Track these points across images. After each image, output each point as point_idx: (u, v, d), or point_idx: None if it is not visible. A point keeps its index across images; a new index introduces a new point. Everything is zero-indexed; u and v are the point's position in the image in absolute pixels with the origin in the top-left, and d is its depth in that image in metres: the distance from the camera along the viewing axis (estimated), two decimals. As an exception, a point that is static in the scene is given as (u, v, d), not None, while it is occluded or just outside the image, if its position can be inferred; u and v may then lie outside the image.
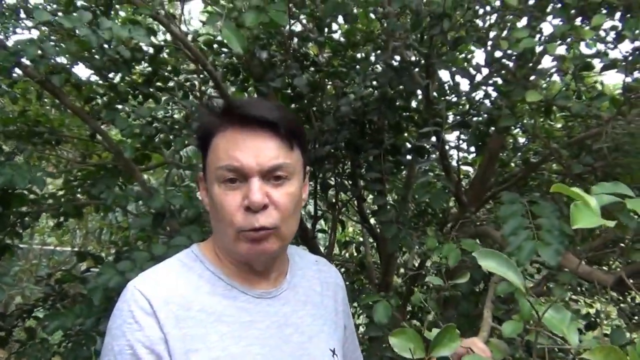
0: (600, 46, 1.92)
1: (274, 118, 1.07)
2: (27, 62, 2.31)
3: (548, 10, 1.82)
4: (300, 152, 1.14)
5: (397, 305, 1.78)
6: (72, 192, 3.04)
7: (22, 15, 2.79)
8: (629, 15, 1.72)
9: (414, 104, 2.72)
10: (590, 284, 2.25)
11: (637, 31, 1.51)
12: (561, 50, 1.77)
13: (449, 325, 0.95)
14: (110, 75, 2.67)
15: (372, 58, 2.70)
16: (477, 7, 1.61)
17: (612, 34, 1.98)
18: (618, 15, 2.00)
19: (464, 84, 4.03)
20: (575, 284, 2.62)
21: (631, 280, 1.36)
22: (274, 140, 1.07)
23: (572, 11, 1.81)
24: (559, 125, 2.89)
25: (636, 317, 2.94)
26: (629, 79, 1.57)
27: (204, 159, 1.13)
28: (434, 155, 2.71)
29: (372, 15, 2.46)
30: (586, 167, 1.96)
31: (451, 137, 2.89)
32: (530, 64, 2.04)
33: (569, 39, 1.63)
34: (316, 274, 1.29)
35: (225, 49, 2.77)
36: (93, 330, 2.48)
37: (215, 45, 2.80)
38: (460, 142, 2.76)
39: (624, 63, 1.64)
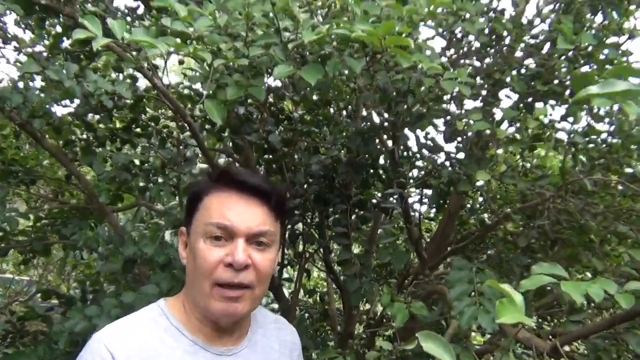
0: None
1: (267, 188, 1.20)
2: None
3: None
4: (281, 226, 1.25)
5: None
6: (42, 230, 3.06)
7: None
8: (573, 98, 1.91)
9: (381, 159, 2.87)
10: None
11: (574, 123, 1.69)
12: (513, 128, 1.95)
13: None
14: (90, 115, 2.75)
15: (343, 114, 2.86)
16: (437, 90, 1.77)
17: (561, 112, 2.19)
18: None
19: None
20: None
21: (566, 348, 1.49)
22: (263, 209, 1.19)
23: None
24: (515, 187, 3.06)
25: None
26: (569, 162, 1.74)
27: (190, 215, 1.22)
28: (398, 209, 2.85)
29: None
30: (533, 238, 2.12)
31: (415, 188, 3.04)
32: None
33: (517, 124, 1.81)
34: (275, 332, 1.37)
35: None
36: (53, 373, 2.48)
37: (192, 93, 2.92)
38: (424, 197, 2.91)
39: (566, 145, 1.82)
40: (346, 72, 1.75)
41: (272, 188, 1.21)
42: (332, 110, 2.81)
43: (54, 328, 2.24)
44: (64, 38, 2.91)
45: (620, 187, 2.03)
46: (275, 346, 1.34)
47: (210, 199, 1.19)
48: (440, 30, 2.16)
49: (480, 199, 3.18)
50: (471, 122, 1.76)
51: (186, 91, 2.97)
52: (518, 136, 2.13)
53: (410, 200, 2.86)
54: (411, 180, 2.64)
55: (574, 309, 1.74)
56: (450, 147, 2.37)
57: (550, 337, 1.98)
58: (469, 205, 2.84)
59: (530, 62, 2.19)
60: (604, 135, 2.17)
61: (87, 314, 2.13)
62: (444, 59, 2.28)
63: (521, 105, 2.17)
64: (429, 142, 2.39)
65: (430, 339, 0.96)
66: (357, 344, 2.11)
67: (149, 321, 1.18)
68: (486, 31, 2.07)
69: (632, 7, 2.48)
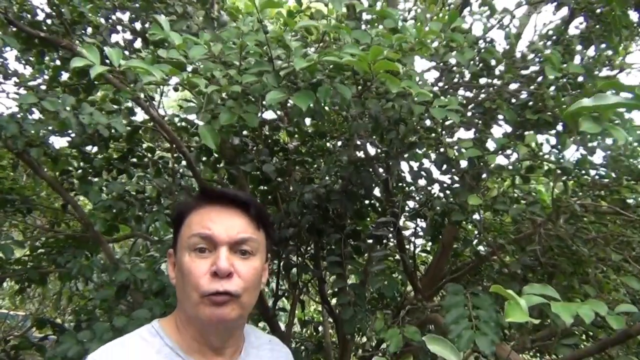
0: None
1: (245, 198, 1.23)
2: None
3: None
4: (265, 236, 1.27)
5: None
6: (38, 259, 3.07)
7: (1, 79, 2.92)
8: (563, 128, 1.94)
9: (376, 190, 2.88)
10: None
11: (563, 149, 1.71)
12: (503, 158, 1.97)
13: None
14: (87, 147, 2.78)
15: (337, 144, 2.89)
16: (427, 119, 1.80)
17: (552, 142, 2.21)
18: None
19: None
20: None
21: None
22: (243, 218, 1.22)
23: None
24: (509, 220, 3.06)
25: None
26: (556, 190, 1.75)
27: (176, 234, 1.25)
28: (392, 242, 2.85)
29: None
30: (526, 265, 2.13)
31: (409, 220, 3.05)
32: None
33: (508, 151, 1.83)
34: (269, 352, 1.36)
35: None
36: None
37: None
38: (419, 229, 2.92)
39: (558, 172, 1.84)
40: (338, 100, 1.78)
41: (250, 198, 1.25)
42: (326, 141, 2.83)
43: (47, 354, 2.23)
44: (63, 72, 2.96)
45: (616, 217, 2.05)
46: None
47: (192, 216, 1.22)
48: (432, 61, 2.21)
49: (475, 231, 3.19)
50: (462, 150, 1.78)
51: (182, 123, 3.01)
52: (510, 167, 2.15)
53: (405, 232, 2.87)
54: (406, 213, 2.65)
55: (567, 333, 1.73)
56: (444, 177, 2.40)
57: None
58: (463, 237, 2.84)
59: (521, 91, 2.23)
60: (596, 164, 2.19)
61: (79, 339, 2.12)
62: (435, 89, 2.33)
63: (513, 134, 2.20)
64: (422, 173, 2.41)
65: (437, 341, 0.98)
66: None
67: (142, 341, 1.19)
68: (477, 60, 2.11)
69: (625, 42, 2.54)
